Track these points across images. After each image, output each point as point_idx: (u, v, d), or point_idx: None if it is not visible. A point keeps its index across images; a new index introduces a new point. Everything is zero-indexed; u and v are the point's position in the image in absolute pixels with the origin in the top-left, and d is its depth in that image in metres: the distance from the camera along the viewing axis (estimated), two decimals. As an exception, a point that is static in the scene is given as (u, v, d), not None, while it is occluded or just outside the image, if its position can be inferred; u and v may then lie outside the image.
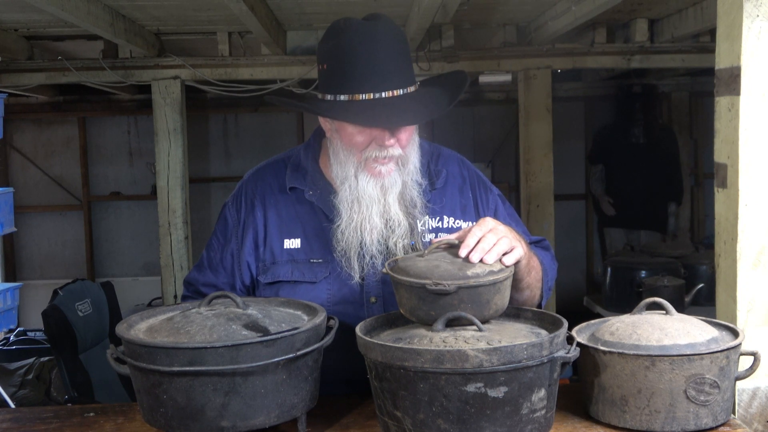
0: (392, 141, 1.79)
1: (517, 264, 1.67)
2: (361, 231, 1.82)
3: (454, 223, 1.92)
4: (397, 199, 1.84)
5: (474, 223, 1.87)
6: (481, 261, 1.57)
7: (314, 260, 1.87)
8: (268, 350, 1.44)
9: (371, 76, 1.75)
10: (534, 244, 1.96)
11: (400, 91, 1.77)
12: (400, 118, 1.77)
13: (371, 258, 1.83)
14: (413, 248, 1.84)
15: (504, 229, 1.64)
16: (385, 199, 1.83)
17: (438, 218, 1.92)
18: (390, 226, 1.85)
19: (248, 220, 1.93)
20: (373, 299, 1.86)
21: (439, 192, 1.94)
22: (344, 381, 1.81)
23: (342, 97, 1.77)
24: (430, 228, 1.90)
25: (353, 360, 1.61)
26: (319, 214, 1.89)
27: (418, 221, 1.87)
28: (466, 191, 1.98)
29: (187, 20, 4.77)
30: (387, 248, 1.85)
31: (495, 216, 1.94)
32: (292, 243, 1.89)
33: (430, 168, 1.96)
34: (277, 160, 2.01)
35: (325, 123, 1.89)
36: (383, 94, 1.75)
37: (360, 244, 1.83)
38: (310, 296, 1.79)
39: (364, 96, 1.75)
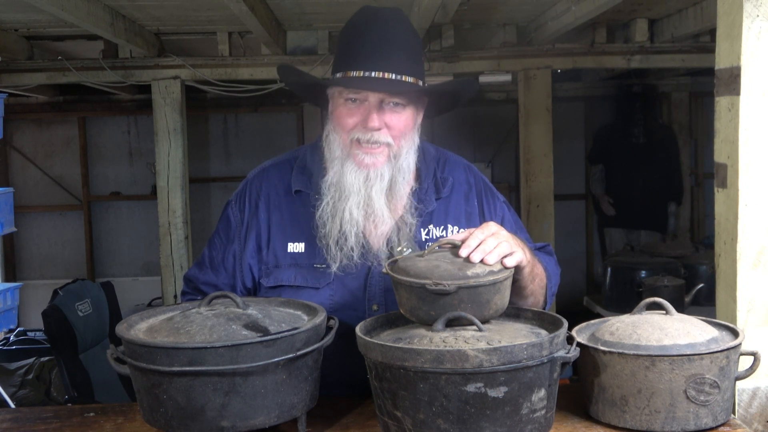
0: (376, 123, 1.78)
1: (520, 271, 1.67)
2: (340, 220, 1.81)
3: (458, 232, 1.90)
4: (383, 193, 1.82)
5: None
6: (482, 262, 1.57)
7: (318, 265, 1.86)
8: (268, 350, 1.44)
9: (365, 54, 1.78)
10: (538, 250, 1.95)
11: (393, 76, 1.77)
12: (378, 85, 1.77)
13: (350, 250, 1.82)
14: (403, 252, 1.82)
15: (506, 234, 1.64)
16: (366, 191, 1.81)
17: (442, 227, 1.91)
18: (373, 221, 1.83)
19: (252, 221, 1.92)
20: (375, 306, 1.85)
21: (445, 201, 1.93)
22: (345, 385, 1.80)
23: (338, 75, 1.82)
24: (434, 237, 1.89)
25: (354, 365, 1.60)
26: None
27: (407, 223, 1.85)
28: (472, 198, 1.97)
29: (187, 20, 4.77)
30: (370, 244, 1.84)
31: (502, 223, 1.93)
32: (296, 247, 1.88)
33: (436, 175, 1.94)
34: (282, 160, 1.99)
35: (330, 109, 1.90)
36: (373, 73, 1.77)
37: (339, 232, 1.81)
38: (312, 302, 1.78)
39: (355, 73, 1.78)
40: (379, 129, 1.78)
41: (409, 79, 1.79)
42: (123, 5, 4.19)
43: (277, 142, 7.53)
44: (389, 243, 1.84)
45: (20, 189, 7.20)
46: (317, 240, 1.84)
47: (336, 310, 1.81)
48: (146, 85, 5.46)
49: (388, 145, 1.80)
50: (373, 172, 1.81)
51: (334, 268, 1.82)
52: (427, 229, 1.89)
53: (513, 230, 1.91)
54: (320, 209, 1.83)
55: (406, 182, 1.85)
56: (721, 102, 1.75)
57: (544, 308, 1.88)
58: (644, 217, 6.55)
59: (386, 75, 1.77)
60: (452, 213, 1.93)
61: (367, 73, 1.77)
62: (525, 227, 2.08)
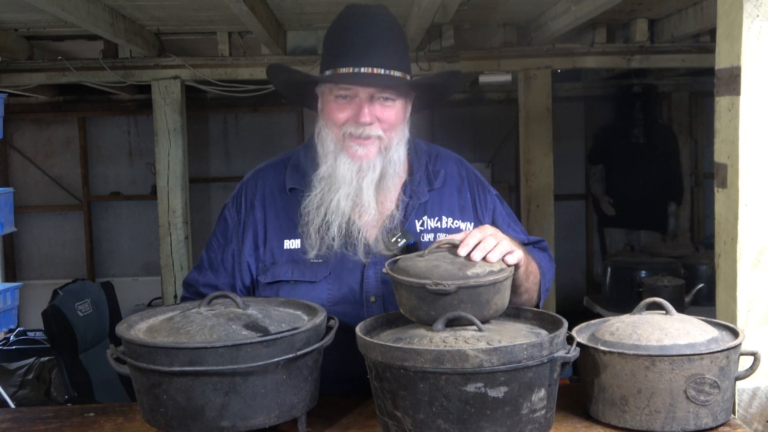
0: (368, 118, 1.81)
1: (516, 269, 1.68)
2: (325, 210, 1.84)
3: (452, 223, 1.93)
4: (373, 185, 1.85)
5: (472, 223, 1.90)
6: (484, 259, 1.58)
7: (314, 260, 1.88)
8: (268, 350, 1.44)
9: (354, 51, 1.81)
10: (532, 244, 1.97)
11: (382, 71, 1.80)
12: (368, 80, 1.80)
13: (331, 239, 1.84)
14: (398, 243, 1.85)
15: (503, 235, 1.67)
16: (357, 183, 1.84)
17: (437, 218, 1.93)
18: (358, 211, 1.86)
19: (248, 220, 1.94)
20: (372, 299, 1.87)
21: (438, 192, 1.95)
22: (345, 380, 1.81)
23: (327, 72, 1.85)
24: (429, 228, 1.91)
25: (353, 359, 1.61)
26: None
27: (394, 216, 1.88)
28: (464, 191, 1.99)
29: (187, 20, 4.77)
30: (350, 231, 1.86)
31: (493, 215, 1.98)
32: (292, 243, 1.90)
33: (428, 168, 1.97)
34: (277, 161, 2.02)
35: (319, 107, 1.93)
36: (362, 69, 1.80)
37: (322, 221, 1.84)
38: (310, 296, 1.80)
39: (344, 69, 1.81)
40: (371, 123, 1.82)
41: (397, 74, 1.83)
42: (123, 5, 4.18)
43: (277, 142, 7.53)
44: (390, 234, 1.86)
45: (20, 189, 7.20)
46: (298, 228, 1.87)
47: (334, 303, 1.84)
48: (146, 85, 5.46)
49: (379, 138, 1.84)
50: (365, 164, 1.84)
51: (311, 254, 1.85)
52: (421, 220, 1.92)
53: (506, 222, 1.96)
54: (307, 200, 1.86)
55: (397, 175, 1.89)
56: (721, 102, 1.75)
57: (538, 304, 1.91)
58: (644, 217, 6.55)
59: (375, 70, 1.80)
60: (446, 204, 1.96)
61: (356, 69, 1.80)
62: (524, 227, 2.10)
